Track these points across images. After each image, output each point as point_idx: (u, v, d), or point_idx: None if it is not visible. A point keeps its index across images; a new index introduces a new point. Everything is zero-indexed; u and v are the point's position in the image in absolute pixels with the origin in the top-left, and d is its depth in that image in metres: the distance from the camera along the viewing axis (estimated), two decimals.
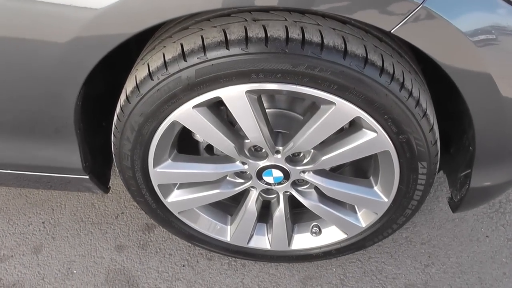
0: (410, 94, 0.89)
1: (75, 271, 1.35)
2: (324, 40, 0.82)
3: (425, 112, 0.93)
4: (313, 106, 1.00)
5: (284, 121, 1.07)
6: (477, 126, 0.94)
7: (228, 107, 0.90)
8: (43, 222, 1.48)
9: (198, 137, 1.09)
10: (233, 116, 0.94)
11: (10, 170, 1.17)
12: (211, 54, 0.82)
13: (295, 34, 0.81)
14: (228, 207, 1.25)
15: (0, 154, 1.12)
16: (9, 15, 0.80)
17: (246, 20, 0.83)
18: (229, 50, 0.81)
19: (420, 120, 0.92)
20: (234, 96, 0.87)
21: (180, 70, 0.84)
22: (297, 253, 1.25)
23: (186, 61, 0.83)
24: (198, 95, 0.88)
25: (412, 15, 0.75)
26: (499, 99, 0.89)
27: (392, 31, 0.77)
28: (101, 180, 1.19)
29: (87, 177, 1.14)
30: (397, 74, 0.87)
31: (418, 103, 0.91)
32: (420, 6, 0.74)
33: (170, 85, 0.86)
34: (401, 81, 0.88)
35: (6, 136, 1.06)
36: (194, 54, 0.83)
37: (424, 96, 0.93)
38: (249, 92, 0.87)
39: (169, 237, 1.40)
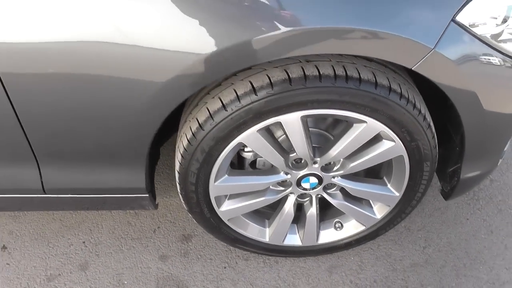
0: (419, 111, 1.17)
1: (125, 282, 1.49)
2: (361, 75, 1.07)
3: (429, 124, 1.21)
4: (339, 124, 1.26)
5: (315, 137, 1.31)
6: (466, 131, 1.23)
7: (285, 129, 1.12)
8: (84, 242, 1.60)
9: (246, 154, 1.30)
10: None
11: (79, 194, 1.31)
12: (277, 89, 1.04)
13: (340, 71, 1.06)
14: (262, 212, 1.46)
15: (74, 180, 1.26)
16: (115, 59, 0.97)
17: (300, 62, 1.06)
18: (291, 85, 1.04)
19: (426, 130, 1.20)
20: (292, 120, 1.10)
21: (252, 102, 1.05)
22: (323, 247, 1.49)
23: (257, 95, 1.05)
24: (263, 121, 1.09)
25: (427, 56, 1.02)
26: (482, 111, 1.18)
27: (413, 68, 1.04)
28: (154, 197, 1.36)
29: (147, 195, 1.31)
30: (410, 97, 1.14)
31: (424, 117, 1.18)
32: (433, 50, 1.01)
33: (242, 114, 1.07)
34: (413, 102, 1.15)
35: (84, 164, 1.21)
36: (264, 89, 1.04)
37: (427, 112, 1.21)
38: (303, 116, 1.10)
39: (207, 244, 1.58)
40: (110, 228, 1.64)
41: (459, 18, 1.02)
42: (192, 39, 0.95)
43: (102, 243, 1.60)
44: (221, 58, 0.96)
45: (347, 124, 1.19)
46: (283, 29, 0.93)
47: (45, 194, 1.33)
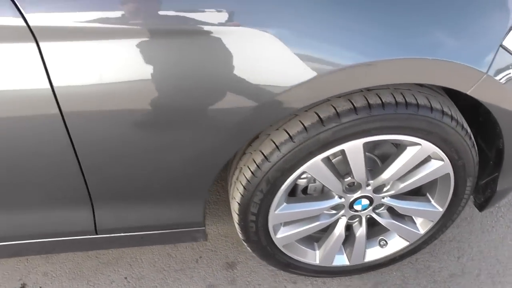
0: (466, 131, 1.24)
1: None
2: (418, 101, 1.13)
3: (473, 142, 1.28)
4: (379, 145, 1.31)
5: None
6: (506, 148, 1.31)
7: (347, 156, 1.16)
8: (126, 278, 1.57)
9: (300, 181, 1.33)
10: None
11: (132, 232, 1.29)
12: (344, 119, 1.08)
13: (399, 99, 1.11)
14: (311, 236, 1.48)
15: (129, 219, 1.24)
16: (188, 94, 0.98)
17: (362, 91, 1.11)
18: (357, 114, 1.08)
19: (471, 148, 1.27)
20: (355, 148, 1.14)
21: (319, 133, 1.09)
22: (369, 264, 1.53)
23: (324, 126, 1.08)
24: (328, 149, 1.13)
25: (481, 80, 1.09)
26: None
27: (468, 92, 1.11)
28: None
29: (203, 228, 1.31)
30: (459, 119, 1.21)
31: (470, 137, 1.25)
32: (486, 74, 1.09)
33: (309, 145, 1.10)
34: (461, 123, 1.22)
35: (142, 203, 1.20)
36: (331, 120, 1.08)
37: (470, 131, 1.28)
38: (365, 143, 1.14)
39: (252, 270, 1.59)
40: (151, 261, 1.62)
41: (505, 43, 1.10)
42: (268, 77, 0.99)
43: (145, 277, 1.57)
44: (301, 91, 0.99)
45: (400, 146, 1.25)
46: (360, 61, 0.97)
47: (97, 234, 1.31)
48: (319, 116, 1.09)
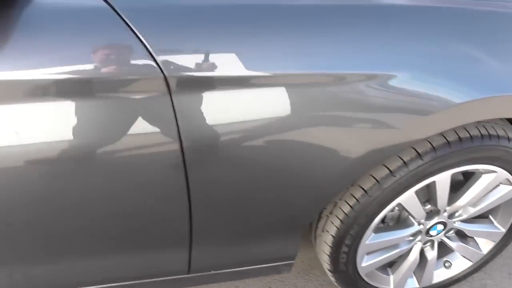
0: None
1: None
2: (497, 132, 1.24)
3: None
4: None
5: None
6: None
7: (437, 186, 1.24)
8: None
9: None
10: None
11: (223, 270, 1.31)
12: (439, 153, 1.17)
13: (483, 131, 1.22)
14: None
15: (222, 257, 1.26)
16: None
17: None
18: (451, 148, 1.17)
19: None
20: (445, 179, 1.23)
21: (418, 167, 1.17)
22: (436, 286, 1.60)
23: (423, 160, 1.17)
24: (422, 181, 1.21)
25: None
26: None
27: None
28: None
29: (293, 261, 1.35)
30: None
31: None
32: None
33: (409, 178, 1.18)
34: None
35: (240, 241, 1.23)
36: (428, 154, 1.17)
37: None
38: (453, 174, 1.23)
39: None
40: None
41: None
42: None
43: None
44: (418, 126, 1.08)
45: (475, 174, 1.35)
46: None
47: (189, 274, 1.32)
48: (417, 151, 1.18)
